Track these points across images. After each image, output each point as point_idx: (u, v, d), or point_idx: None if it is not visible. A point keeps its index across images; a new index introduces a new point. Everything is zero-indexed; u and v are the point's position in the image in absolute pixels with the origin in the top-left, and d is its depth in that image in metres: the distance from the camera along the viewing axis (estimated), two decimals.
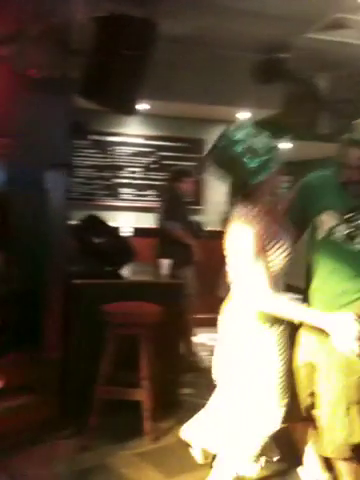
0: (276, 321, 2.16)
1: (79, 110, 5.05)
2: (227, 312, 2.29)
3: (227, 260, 2.20)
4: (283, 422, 2.23)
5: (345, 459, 2.21)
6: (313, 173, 2.35)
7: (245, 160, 1.99)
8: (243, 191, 2.09)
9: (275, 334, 2.17)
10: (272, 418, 2.22)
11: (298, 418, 2.30)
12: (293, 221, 2.24)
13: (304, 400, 2.25)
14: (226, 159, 2.05)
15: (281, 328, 2.19)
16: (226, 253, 2.21)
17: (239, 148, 1.99)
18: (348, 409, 2.12)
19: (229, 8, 4.16)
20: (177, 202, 4.35)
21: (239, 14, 4.27)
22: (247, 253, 2.03)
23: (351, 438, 2.13)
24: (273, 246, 2.06)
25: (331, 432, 2.17)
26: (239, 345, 2.20)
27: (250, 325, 2.16)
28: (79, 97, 4.10)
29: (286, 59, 5.02)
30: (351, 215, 2.07)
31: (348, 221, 2.08)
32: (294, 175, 9.84)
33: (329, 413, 2.17)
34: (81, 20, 3.94)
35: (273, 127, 6.29)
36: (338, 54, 4.97)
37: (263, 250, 2.04)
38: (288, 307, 2.05)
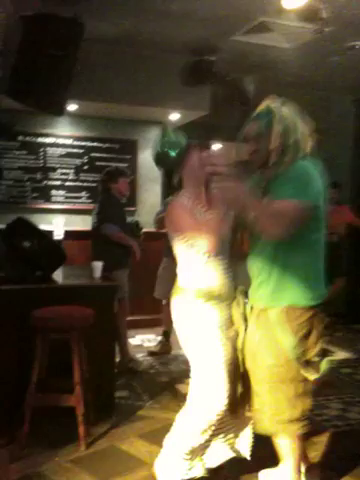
0: (217, 298, 2.28)
1: (6, 111, 4.92)
2: (174, 293, 2.42)
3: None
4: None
5: (286, 438, 2.28)
6: None
7: (168, 151, 2.34)
8: (176, 182, 2.32)
9: (217, 311, 2.28)
10: (215, 400, 2.26)
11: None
12: None
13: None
14: (156, 157, 2.46)
15: (223, 305, 2.30)
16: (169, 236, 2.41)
17: (163, 144, 2.34)
18: (273, 388, 2.20)
19: (157, 10, 4.19)
20: (113, 203, 4.29)
21: (167, 16, 4.31)
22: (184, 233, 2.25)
23: (278, 416, 2.20)
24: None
25: (259, 411, 2.25)
26: (185, 324, 2.33)
27: (192, 303, 2.30)
28: (6, 97, 4.01)
29: (213, 61, 5.10)
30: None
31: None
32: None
33: (256, 392, 2.26)
34: (7, 19, 3.84)
35: (204, 128, 6.41)
36: (263, 57, 5.12)
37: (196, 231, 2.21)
38: None
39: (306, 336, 2.16)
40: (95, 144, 6.20)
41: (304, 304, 2.14)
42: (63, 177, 6.12)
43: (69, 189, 6.15)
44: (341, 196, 6.23)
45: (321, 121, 7.39)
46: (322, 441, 3.04)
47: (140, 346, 4.99)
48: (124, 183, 4.36)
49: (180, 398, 3.69)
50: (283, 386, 2.18)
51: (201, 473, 2.40)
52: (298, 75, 5.71)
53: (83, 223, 5.42)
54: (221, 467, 2.48)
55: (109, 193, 4.32)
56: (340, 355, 4.93)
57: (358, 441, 3.06)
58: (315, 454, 2.84)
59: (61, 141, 6.08)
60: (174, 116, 5.66)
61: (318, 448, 2.92)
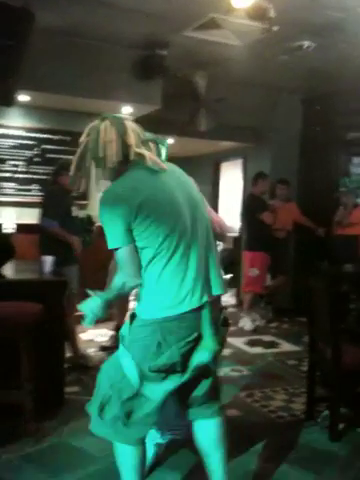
0: None
1: None
2: None
3: None
4: None
5: None
6: None
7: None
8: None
9: None
10: None
11: None
12: None
13: None
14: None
15: None
16: None
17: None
18: None
19: (108, 3, 4.17)
20: (57, 197, 4.22)
21: (119, 9, 4.29)
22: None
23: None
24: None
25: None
26: None
27: None
28: None
29: (165, 56, 5.12)
30: None
31: None
32: None
33: None
34: None
35: (156, 123, 6.42)
36: (214, 53, 5.18)
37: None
38: None
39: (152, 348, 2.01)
40: (47, 136, 6.10)
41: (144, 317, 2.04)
42: (13, 169, 6.00)
43: (19, 181, 6.03)
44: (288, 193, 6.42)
45: (270, 119, 7.64)
46: (266, 432, 3.15)
47: (92, 341, 4.99)
48: (67, 178, 4.26)
49: None
50: None
51: None
52: (247, 73, 5.81)
53: (34, 216, 5.34)
54: None
55: (54, 186, 4.27)
56: (286, 347, 5.09)
57: (300, 431, 3.18)
58: (260, 445, 2.95)
59: (11, 132, 5.96)
60: (126, 109, 5.65)
61: (262, 438, 3.02)
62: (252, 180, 6.07)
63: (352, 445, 3.01)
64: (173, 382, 2.05)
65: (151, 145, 2.10)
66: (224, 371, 4.21)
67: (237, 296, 7.37)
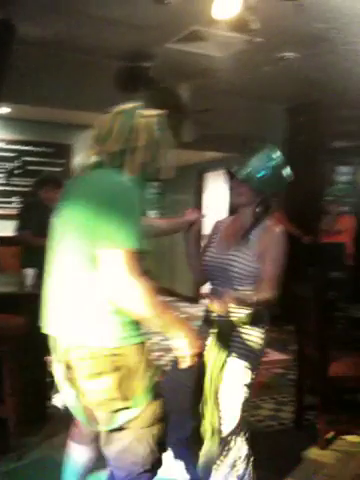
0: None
1: None
2: None
3: None
4: None
5: None
6: None
7: None
8: None
9: None
10: None
11: None
12: None
13: None
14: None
15: None
16: None
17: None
18: None
19: (91, 15, 4.17)
20: (35, 210, 4.19)
21: (101, 21, 4.30)
22: None
23: None
24: None
25: None
26: None
27: None
28: None
29: (148, 68, 5.13)
30: None
31: None
32: (162, 181, 10.09)
33: None
34: None
35: None
36: (197, 65, 5.20)
37: None
38: None
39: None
40: (28, 148, 6.07)
41: None
42: None
43: (0, 194, 5.97)
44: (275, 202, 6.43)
45: (255, 129, 7.66)
46: (254, 441, 3.10)
47: None
48: (51, 190, 4.19)
49: None
50: None
51: None
52: (231, 83, 5.84)
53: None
54: None
55: (33, 198, 4.23)
56: (274, 356, 5.06)
57: (289, 439, 3.15)
58: None
59: None
60: None
61: (250, 448, 2.97)
62: None
63: (340, 453, 2.99)
64: None
65: None
66: None
67: None
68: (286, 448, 3.04)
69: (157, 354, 4.95)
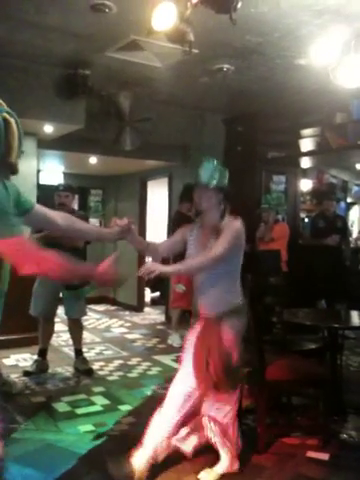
0: None
1: None
2: None
3: None
4: None
5: None
6: None
7: None
8: None
9: None
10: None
11: None
12: None
13: None
14: None
15: None
16: None
17: None
18: None
19: (29, 21, 4.11)
20: None
21: (40, 28, 4.24)
22: None
23: None
24: None
25: None
26: None
27: None
28: None
29: (88, 75, 5.11)
30: None
31: None
32: (102, 188, 10.06)
33: None
34: None
35: (79, 142, 6.36)
36: (137, 74, 5.23)
37: None
38: None
39: None
40: None
41: None
42: None
43: None
44: None
45: (194, 138, 7.74)
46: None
47: (15, 366, 4.80)
48: None
49: (57, 417, 3.61)
50: None
51: None
52: (171, 93, 5.92)
53: None
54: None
55: None
56: None
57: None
58: (186, 461, 2.93)
59: None
60: (48, 128, 5.56)
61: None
62: (179, 198, 6.15)
63: (278, 456, 3.06)
64: None
65: None
66: (151, 389, 4.19)
67: (166, 313, 7.38)
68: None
69: (100, 364, 4.91)
